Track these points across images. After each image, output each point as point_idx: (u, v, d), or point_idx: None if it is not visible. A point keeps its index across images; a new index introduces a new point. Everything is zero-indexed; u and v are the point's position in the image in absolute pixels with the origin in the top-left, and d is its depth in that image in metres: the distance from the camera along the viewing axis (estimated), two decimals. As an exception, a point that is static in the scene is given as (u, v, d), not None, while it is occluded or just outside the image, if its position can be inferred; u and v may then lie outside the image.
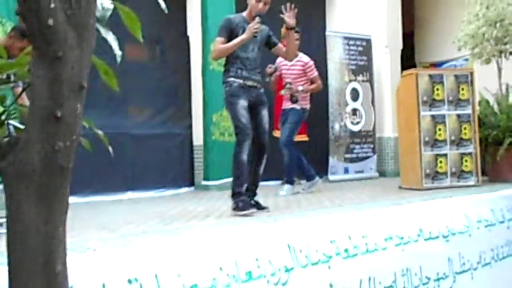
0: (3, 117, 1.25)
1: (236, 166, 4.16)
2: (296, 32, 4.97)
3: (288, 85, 5.98)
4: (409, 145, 5.72)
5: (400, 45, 8.46)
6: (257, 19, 4.30)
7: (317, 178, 6.09)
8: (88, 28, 1.16)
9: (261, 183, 4.53)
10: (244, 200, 4.12)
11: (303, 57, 6.10)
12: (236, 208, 4.07)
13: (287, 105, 6.06)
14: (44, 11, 1.08)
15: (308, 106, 6.12)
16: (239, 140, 4.18)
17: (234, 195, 4.15)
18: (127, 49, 6.53)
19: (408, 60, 8.91)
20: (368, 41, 8.16)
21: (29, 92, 1.16)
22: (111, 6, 1.30)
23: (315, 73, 6.14)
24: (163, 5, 1.44)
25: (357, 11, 8.44)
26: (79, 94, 1.15)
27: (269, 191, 5.73)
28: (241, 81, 4.28)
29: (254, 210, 4.11)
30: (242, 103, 4.23)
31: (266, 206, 4.31)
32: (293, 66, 6.01)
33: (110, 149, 1.42)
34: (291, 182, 5.93)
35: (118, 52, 1.32)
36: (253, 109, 4.32)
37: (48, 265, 1.12)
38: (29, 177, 1.11)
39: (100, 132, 1.35)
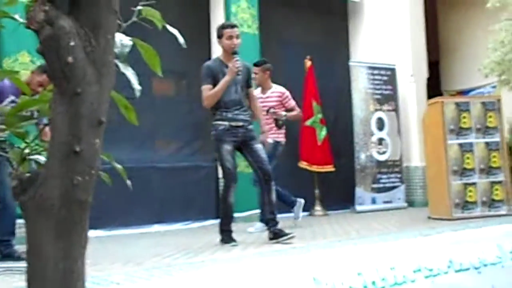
0: (25, 152, 1.28)
1: (223, 207, 4.46)
2: (268, 70, 5.64)
3: (271, 110, 5.76)
4: (437, 174, 5.63)
5: (425, 74, 8.42)
6: (236, 56, 4.46)
7: (298, 200, 5.82)
8: (107, 65, 1.18)
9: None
10: (228, 234, 4.41)
11: (278, 88, 5.91)
12: (222, 240, 4.39)
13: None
14: (63, 49, 1.11)
15: (283, 140, 5.86)
16: (225, 184, 4.44)
17: (222, 231, 4.44)
18: (154, 84, 6.66)
19: (434, 89, 8.84)
20: (393, 70, 8.14)
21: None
22: (130, 43, 1.32)
23: (292, 103, 5.92)
24: (181, 40, 1.46)
25: (381, 41, 8.46)
26: (98, 129, 1.16)
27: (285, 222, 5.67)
28: (226, 123, 4.43)
29: (234, 242, 4.34)
30: (226, 147, 4.40)
31: (291, 232, 4.35)
32: (269, 98, 5.83)
33: (129, 182, 1.43)
34: (263, 220, 5.42)
35: (137, 87, 1.34)
36: (245, 146, 4.47)
37: (67, 299, 1.13)
38: (48, 211, 1.13)
39: (119, 166, 1.37)
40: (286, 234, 4.27)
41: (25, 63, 5.02)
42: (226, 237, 4.39)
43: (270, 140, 5.62)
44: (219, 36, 4.56)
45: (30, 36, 4.71)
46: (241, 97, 4.52)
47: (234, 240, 4.39)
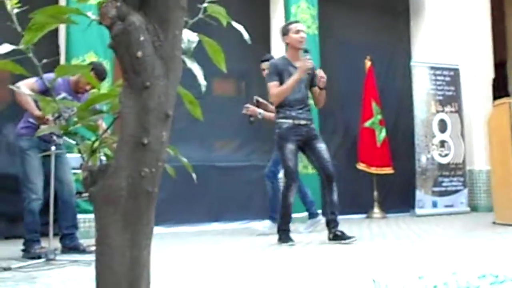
0: (95, 145, 1.32)
1: (283, 206, 4.42)
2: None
3: (257, 98, 5.49)
4: (503, 178, 5.42)
5: (491, 74, 8.12)
6: (307, 55, 4.42)
7: (319, 217, 5.48)
8: (175, 59, 1.21)
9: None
10: (286, 234, 4.39)
11: None
12: (280, 239, 4.37)
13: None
14: (134, 44, 1.14)
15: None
16: (286, 183, 4.43)
17: (280, 231, 4.42)
18: (214, 85, 6.75)
19: (500, 90, 8.51)
20: (456, 70, 7.90)
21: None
22: (196, 39, 1.35)
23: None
24: (246, 36, 1.47)
25: (443, 40, 8.21)
26: (165, 122, 1.19)
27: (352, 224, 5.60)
28: (290, 121, 4.42)
29: (292, 242, 4.31)
30: (290, 146, 4.38)
31: (353, 236, 4.29)
32: None
33: (194, 175, 1.45)
34: (273, 218, 5.30)
35: (203, 82, 1.36)
36: (307, 145, 4.45)
37: (133, 288, 1.15)
38: (116, 202, 1.16)
39: (184, 160, 1.39)
40: (349, 237, 4.21)
41: (86, 65, 5.19)
42: (284, 236, 4.38)
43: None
44: (285, 33, 4.55)
45: (97, 37, 4.90)
46: (304, 95, 4.53)
47: (292, 240, 4.37)
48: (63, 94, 3.85)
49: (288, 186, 4.39)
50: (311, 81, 4.58)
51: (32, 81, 3.67)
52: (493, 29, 8.24)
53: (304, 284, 2.76)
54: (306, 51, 4.46)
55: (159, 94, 1.17)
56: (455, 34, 8.14)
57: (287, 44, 4.63)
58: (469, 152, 7.82)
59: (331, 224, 4.34)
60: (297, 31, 4.50)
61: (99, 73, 4.10)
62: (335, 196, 4.36)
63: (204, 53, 1.43)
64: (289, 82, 4.37)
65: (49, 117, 3.69)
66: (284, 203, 4.40)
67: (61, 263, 3.49)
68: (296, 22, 4.66)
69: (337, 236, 4.27)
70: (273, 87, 4.45)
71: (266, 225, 5.42)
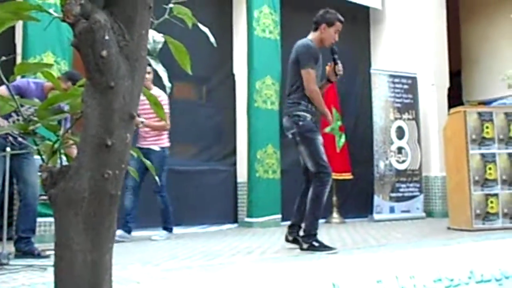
0: (56, 146, 1.28)
1: (318, 207, 4.01)
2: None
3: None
4: (458, 184, 5.57)
5: (447, 83, 8.35)
6: (336, 56, 4.21)
7: (172, 231, 5.56)
8: (140, 60, 1.19)
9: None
10: (317, 239, 4.00)
11: (156, 91, 5.06)
12: (311, 247, 3.93)
13: (143, 143, 5.32)
14: (98, 43, 1.11)
15: (168, 144, 5.47)
16: (324, 180, 4.02)
17: (310, 236, 3.99)
18: (175, 88, 6.69)
19: (455, 99, 8.76)
20: (414, 79, 8.08)
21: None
22: (162, 39, 1.33)
23: (166, 110, 5.21)
24: (212, 38, 1.46)
25: (402, 49, 8.41)
26: (129, 123, 1.17)
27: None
28: (311, 116, 4.09)
29: (336, 250, 3.94)
30: (320, 139, 4.08)
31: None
32: (146, 100, 5.46)
33: (157, 178, 1.43)
34: (168, 229, 5.50)
35: (167, 84, 1.35)
36: None
37: (94, 293, 1.13)
38: (78, 205, 1.13)
39: (148, 162, 1.37)
40: (302, 245, 4.15)
41: (50, 63, 5.07)
42: (316, 242, 3.96)
43: (156, 148, 5.32)
44: (329, 24, 4.18)
45: (55, 36, 4.79)
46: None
47: (325, 246, 4.00)
48: (36, 100, 3.73)
49: (325, 183, 4.01)
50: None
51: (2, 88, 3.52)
52: (449, 40, 8.48)
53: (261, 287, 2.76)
54: (334, 52, 4.22)
55: (124, 94, 1.14)
56: (413, 43, 8.34)
57: (319, 32, 4.22)
58: (425, 158, 8.01)
59: (295, 229, 4.20)
60: (337, 31, 4.21)
61: (78, 79, 3.99)
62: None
63: (168, 55, 1.41)
64: (324, 84, 4.20)
65: None
66: (320, 204, 4.00)
67: (15, 268, 3.39)
68: (342, 21, 4.23)
69: (296, 240, 4.18)
70: (311, 74, 4.04)
71: (162, 235, 5.48)
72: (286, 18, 7.17)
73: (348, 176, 7.50)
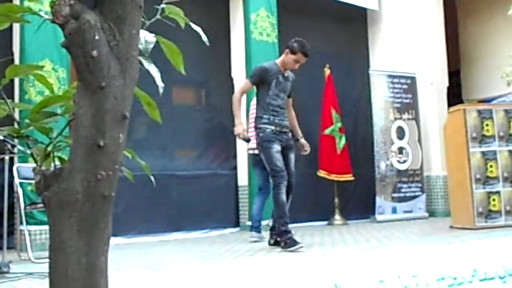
0: (49, 148, 1.27)
1: (278, 206, 4.34)
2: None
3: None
4: (460, 183, 5.54)
5: (446, 82, 8.33)
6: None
7: (263, 233, 5.33)
8: (131, 60, 1.18)
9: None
10: (291, 237, 4.25)
11: None
12: (285, 245, 4.21)
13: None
14: (88, 43, 1.10)
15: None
16: (277, 183, 4.37)
17: (282, 233, 4.29)
18: (174, 93, 6.69)
19: (455, 98, 8.75)
20: (413, 79, 8.07)
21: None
22: (154, 39, 1.32)
23: None
24: (204, 38, 1.45)
25: (400, 49, 8.40)
26: (122, 123, 1.16)
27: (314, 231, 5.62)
28: (273, 127, 4.47)
29: (302, 245, 4.20)
30: (276, 147, 4.42)
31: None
32: None
33: (153, 179, 1.42)
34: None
35: (160, 84, 1.33)
36: (282, 152, 4.47)
37: (89, 295, 1.11)
38: (72, 206, 1.12)
39: (142, 163, 1.36)
40: (287, 246, 4.23)
41: (48, 71, 5.07)
42: (290, 240, 4.22)
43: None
44: (292, 51, 4.49)
45: (52, 44, 4.78)
46: (284, 103, 4.59)
47: (298, 242, 4.23)
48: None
49: (278, 185, 4.35)
50: (290, 92, 4.68)
51: None
52: (447, 39, 8.47)
53: (266, 290, 2.74)
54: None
55: (115, 94, 1.14)
56: (411, 43, 8.33)
57: (284, 55, 4.58)
58: (426, 158, 7.99)
59: (275, 231, 4.49)
60: (297, 61, 4.51)
61: None
62: (287, 207, 4.41)
63: (165, 61, 1.40)
64: (237, 117, 4.45)
65: None
66: (278, 203, 4.33)
67: (16, 276, 3.37)
68: (307, 54, 4.52)
69: (277, 242, 4.41)
70: (247, 84, 4.61)
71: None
72: (283, 21, 7.18)
73: (349, 177, 7.48)
